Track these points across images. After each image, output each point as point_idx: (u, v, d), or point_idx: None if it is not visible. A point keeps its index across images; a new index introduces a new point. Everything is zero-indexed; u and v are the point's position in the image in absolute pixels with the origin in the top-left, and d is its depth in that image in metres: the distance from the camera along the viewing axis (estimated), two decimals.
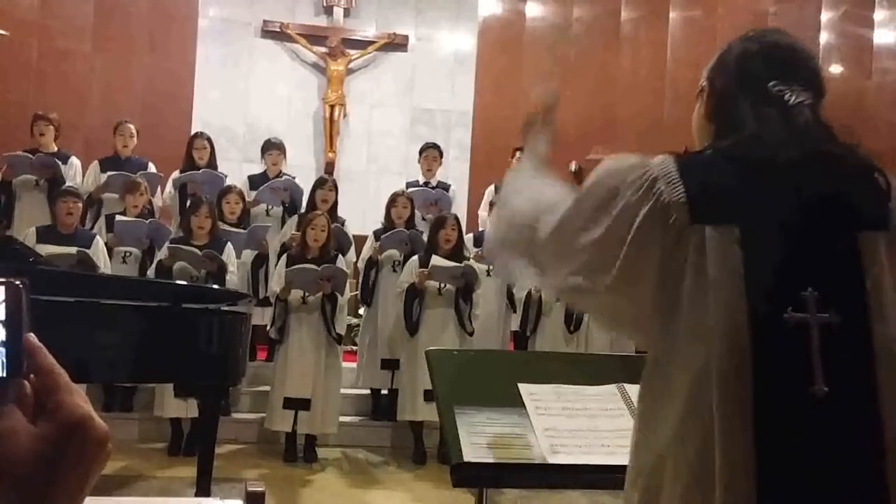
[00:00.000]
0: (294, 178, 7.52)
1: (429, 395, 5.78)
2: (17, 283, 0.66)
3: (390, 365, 6.60)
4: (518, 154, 7.95)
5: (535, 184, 1.65)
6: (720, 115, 1.54)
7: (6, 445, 0.64)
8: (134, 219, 6.53)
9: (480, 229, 7.43)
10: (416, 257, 6.42)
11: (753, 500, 1.29)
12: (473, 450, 2.16)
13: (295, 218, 6.87)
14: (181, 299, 4.32)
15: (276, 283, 6.21)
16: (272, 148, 7.56)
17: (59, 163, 7.05)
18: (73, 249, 5.91)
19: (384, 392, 6.79)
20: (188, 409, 5.73)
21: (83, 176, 7.28)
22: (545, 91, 1.91)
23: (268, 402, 6.26)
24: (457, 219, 6.61)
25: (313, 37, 9.65)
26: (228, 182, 7.13)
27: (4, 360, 0.66)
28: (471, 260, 6.53)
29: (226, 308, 4.53)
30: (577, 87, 9.72)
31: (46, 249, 5.70)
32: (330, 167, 9.39)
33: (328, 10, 9.78)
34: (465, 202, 8.74)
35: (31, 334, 0.67)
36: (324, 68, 9.64)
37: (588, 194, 1.47)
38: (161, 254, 6.13)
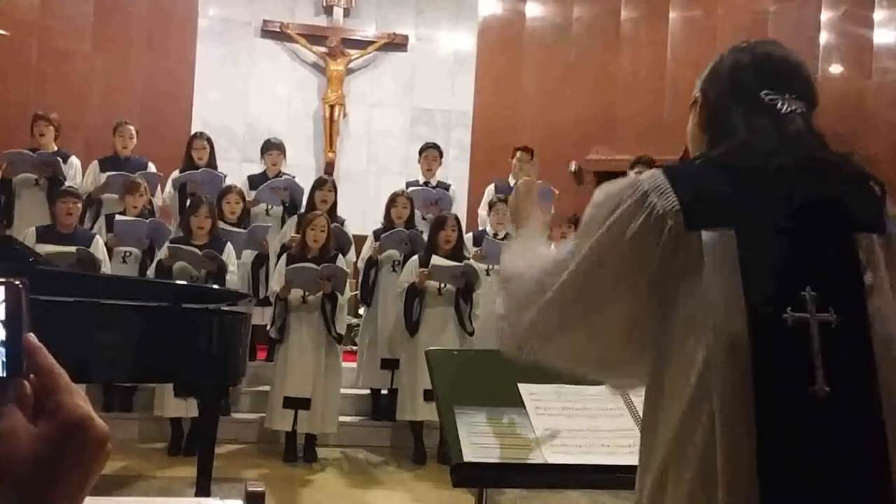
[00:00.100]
0: (294, 177, 7.52)
1: (429, 395, 5.78)
2: (17, 283, 0.66)
3: (390, 365, 6.60)
4: (518, 154, 7.98)
5: (535, 247, 1.65)
6: (713, 125, 1.55)
7: (6, 445, 0.64)
8: (134, 218, 6.53)
9: (480, 228, 7.44)
10: (416, 257, 6.42)
11: (755, 500, 1.29)
12: (473, 450, 2.16)
13: (294, 218, 6.87)
14: (181, 299, 4.33)
15: (276, 283, 6.22)
16: (272, 148, 7.56)
17: (60, 160, 7.06)
18: (72, 248, 5.92)
19: (384, 392, 6.79)
20: (188, 408, 5.73)
21: (83, 176, 7.28)
22: (520, 183, 1.93)
23: (268, 402, 6.26)
24: (457, 219, 6.61)
25: (313, 37, 9.65)
26: (228, 182, 7.14)
27: (4, 360, 0.66)
28: (471, 260, 6.53)
29: (226, 308, 4.54)
30: (577, 87, 9.73)
31: (46, 249, 5.71)
32: (330, 167, 9.40)
33: (328, 10, 9.79)
34: (465, 202, 8.75)
35: (31, 334, 0.67)
36: (324, 68, 9.65)
37: (586, 227, 1.47)
38: (161, 254, 6.13)
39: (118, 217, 6.49)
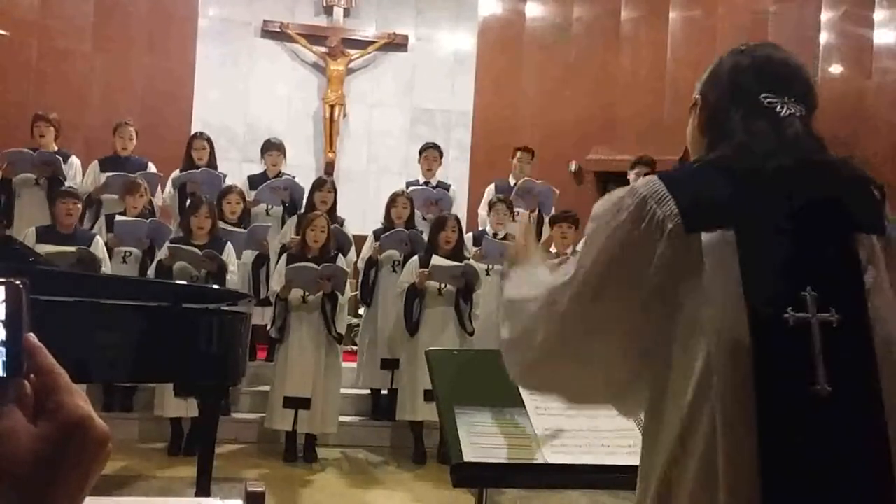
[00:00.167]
0: (294, 177, 7.52)
1: (429, 395, 5.78)
2: (17, 283, 0.66)
3: (390, 365, 6.60)
4: (519, 154, 7.98)
5: (537, 273, 1.65)
6: (713, 127, 1.54)
7: (6, 445, 0.64)
8: (134, 218, 6.53)
9: (480, 228, 7.44)
10: (416, 257, 6.42)
11: (757, 502, 1.29)
12: (473, 450, 2.16)
13: (294, 218, 6.87)
14: (181, 299, 4.33)
15: (276, 283, 6.22)
16: (272, 148, 7.56)
17: (60, 159, 7.06)
18: (72, 248, 5.92)
19: (384, 392, 6.79)
20: (188, 408, 5.73)
21: (83, 175, 7.28)
22: (518, 226, 1.93)
23: (268, 402, 6.26)
24: (457, 219, 6.61)
25: (313, 37, 9.65)
26: (228, 182, 7.14)
27: (4, 360, 0.66)
28: (471, 260, 6.53)
29: (226, 308, 4.54)
30: (577, 87, 9.73)
31: (46, 250, 5.71)
32: (330, 167, 9.40)
33: (328, 10, 9.79)
34: (465, 202, 8.75)
35: (31, 334, 0.67)
36: (324, 68, 9.65)
37: (589, 240, 1.47)
38: (161, 254, 6.14)
39: (118, 217, 6.49)
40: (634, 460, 1.52)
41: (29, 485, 0.64)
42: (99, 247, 6.22)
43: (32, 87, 8.81)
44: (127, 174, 6.94)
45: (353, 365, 6.90)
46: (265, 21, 9.62)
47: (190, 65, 9.43)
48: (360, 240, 7.03)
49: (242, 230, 6.58)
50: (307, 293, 6.07)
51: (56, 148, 7.26)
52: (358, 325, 7.13)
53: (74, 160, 7.32)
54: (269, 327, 6.40)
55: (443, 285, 6.30)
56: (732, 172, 1.43)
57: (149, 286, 5.49)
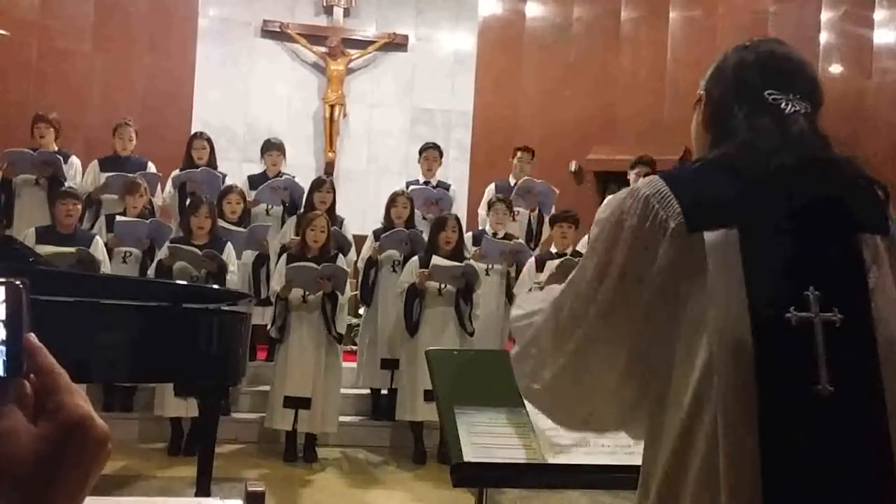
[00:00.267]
0: (294, 177, 7.52)
1: (429, 395, 5.78)
2: (17, 283, 0.66)
3: (390, 365, 6.60)
4: (519, 154, 7.98)
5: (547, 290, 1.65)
6: (717, 124, 1.53)
7: (6, 445, 0.64)
8: (134, 219, 6.53)
9: (480, 228, 7.44)
10: (416, 257, 6.42)
11: (758, 502, 1.28)
12: (473, 450, 2.16)
13: (294, 218, 6.87)
14: (181, 299, 4.33)
15: (276, 282, 6.22)
16: (272, 148, 7.56)
17: (60, 158, 7.06)
18: (72, 249, 5.92)
19: (384, 392, 6.79)
20: (188, 408, 5.73)
21: (83, 176, 7.28)
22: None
23: (268, 402, 6.26)
24: (457, 219, 6.61)
25: (313, 37, 9.66)
26: (228, 182, 7.14)
27: (5, 360, 0.66)
28: (471, 260, 6.53)
29: (226, 308, 4.54)
30: (577, 87, 9.73)
31: (46, 250, 5.71)
32: (330, 167, 9.40)
33: (328, 10, 9.79)
34: (465, 202, 8.75)
35: (31, 334, 0.67)
36: (324, 68, 9.65)
37: (594, 245, 1.47)
38: (161, 253, 6.14)
39: (118, 217, 6.49)
40: (634, 460, 1.52)
41: (29, 485, 0.64)
42: (98, 248, 6.22)
43: (32, 87, 8.82)
44: (127, 174, 6.94)
45: (353, 365, 6.90)
46: (265, 21, 9.62)
47: (190, 65, 9.43)
48: (360, 240, 7.03)
49: (242, 230, 6.58)
50: (307, 293, 6.07)
51: (56, 148, 7.26)
52: (358, 325, 7.13)
53: (74, 160, 7.32)
54: (269, 327, 6.40)
55: (443, 285, 6.30)
56: (735, 171, 1.42)
57: (149, 286, 5.49)
